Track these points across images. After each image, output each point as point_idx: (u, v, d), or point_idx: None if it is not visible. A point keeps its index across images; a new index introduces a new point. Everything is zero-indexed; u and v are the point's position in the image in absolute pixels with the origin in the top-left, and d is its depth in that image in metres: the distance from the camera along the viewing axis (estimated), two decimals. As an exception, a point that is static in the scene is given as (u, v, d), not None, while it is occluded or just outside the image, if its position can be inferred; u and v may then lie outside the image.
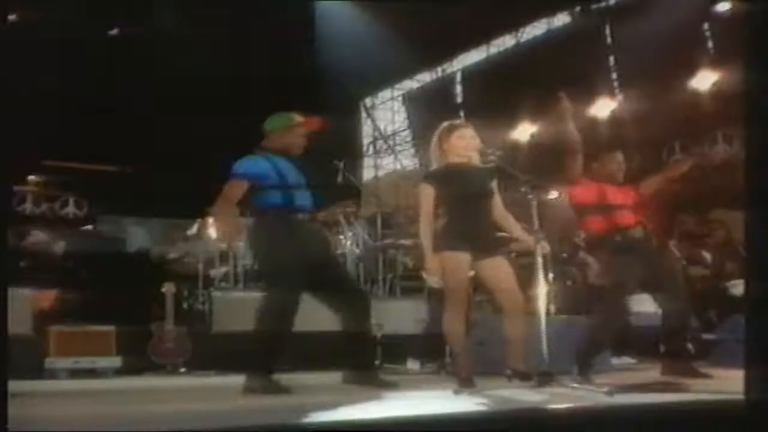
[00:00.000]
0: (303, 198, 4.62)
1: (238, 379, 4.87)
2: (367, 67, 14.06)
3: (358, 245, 8.18)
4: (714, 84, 11.09)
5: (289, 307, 4.39)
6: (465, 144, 4.44)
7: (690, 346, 7.64)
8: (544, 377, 3.92)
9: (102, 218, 10.00)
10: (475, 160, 4.49)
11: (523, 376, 4.15)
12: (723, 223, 9.46)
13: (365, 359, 4.75)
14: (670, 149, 12.03)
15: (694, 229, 9.76)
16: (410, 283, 8.24)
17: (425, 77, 16.30)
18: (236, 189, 4.53)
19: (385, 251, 8.45)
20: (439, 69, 15.99)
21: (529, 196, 4.19)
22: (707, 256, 9.12)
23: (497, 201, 4.52)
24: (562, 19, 14.31)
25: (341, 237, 8.11)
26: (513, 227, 4.53)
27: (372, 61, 13.87)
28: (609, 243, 5.13)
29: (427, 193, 4.43)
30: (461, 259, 4.32)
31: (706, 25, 12.18)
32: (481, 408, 3.17)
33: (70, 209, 11.66)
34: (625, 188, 5.34)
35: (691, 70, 11.36)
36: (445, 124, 4.56)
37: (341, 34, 13.65)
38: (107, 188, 9.99)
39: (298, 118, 4.76)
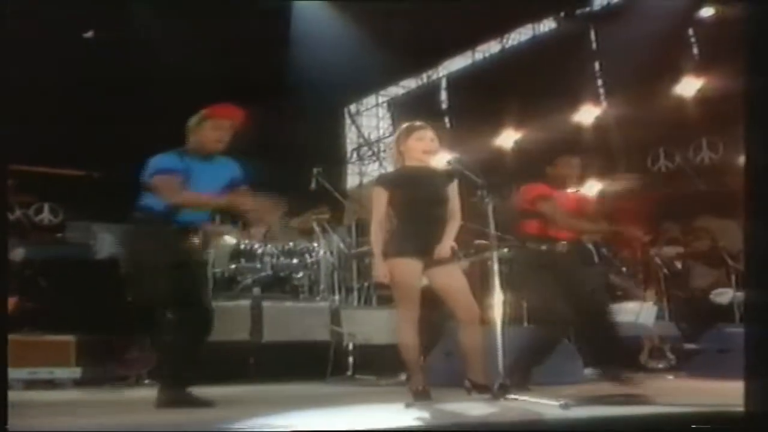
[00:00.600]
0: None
1: (205, 390, 4.73)
2: (352, 73, 13.94)
3: (332, 253, 8.02)
4: (699, 90, 11.02)
5: (188, 321, 4.21)
6: (424, 146, 4.29)
7: (670, 355, 7.65)
8: (500, 390, 3.76)
9: (68, 224, 9.83)
10: (434, 163, 4.35)
11: (483, 389, 3.99)
12: (708, 230, 9.37)
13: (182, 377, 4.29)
14: (655, 155, 11.97)
15: (679, 237, 9.65)
16: (387, 292, 8.08)
17: (410, 83, 16.18)
18: (169, 183, 4.24)
19: (360, 259, 8.31)
20: (425, 75, 15.87)
21: (486, 200, 4.04)
22: (691, 264, 9.00)
23: (453, 206, 4.36)
24: (547, 24, 14.21)
25: (315, 244, 7.96)
26: (448, 234, 4.29)
27: (356, 67, 13.75)
28: (532, 251, 5.03)
29: (380, 197, 4.27)
30: (412, 266, 4.16)
31: (691, 31, 12.07)
32: (420, 423, 3.01)
33: (45, 215, 11.52)
34: (575, 196, 5.24)
35: (676, 75, 11.30)
36: (405, 125, 4.41)
37: (326, 40, 13.53)
38: (77, 193, 9.83)
39: (205, 110, 4.45)
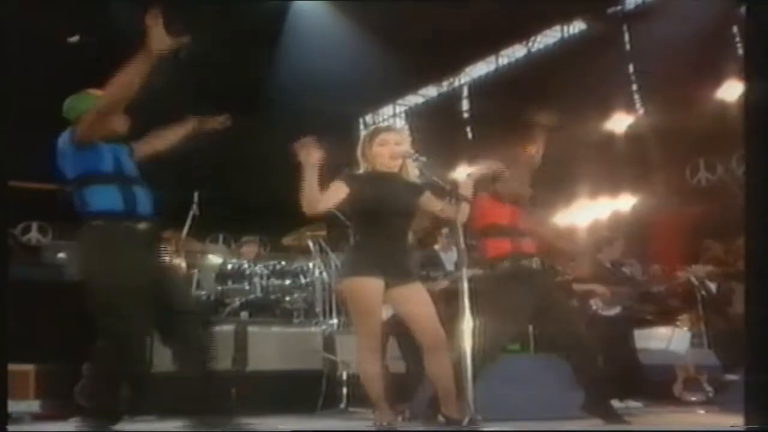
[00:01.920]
0: (142, 200, 4.04)
1: (182, 425, 4.51)
2: (367, 81, 13.88)
3: (328, 272, 7.78)
4: (743, 94, 10.66)
5: (131, 341, 3.97)
6: (388, 151, 4.02)
7: (707, 386, 7.29)
8: (470, 425, 3.48)
9: (57, 244, 9.73)
10: (404, 171, 4.09)
11: (457, 424, 3.72)
12: (751, 248, 9.00)
13: (213, 403, 4.17)
14: (695, 167, 11.64)
15: (721, 256, 9.30)
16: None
17: (430, 91, 16.08)
18: None
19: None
20: (445, 82, 15.75)
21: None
22: (734, 286, 8.64)
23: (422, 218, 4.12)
24: (577, 25, 14.01)
25: (310, 263, 7.73)
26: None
27: (372, 74, 13.69)
28: (499, 269, 4.79)
29: (339, 190, 3.94)
30: (373, 285, 3.88)
31: (734, 29, 11.73)
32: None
33: (33, 235, 11.44)
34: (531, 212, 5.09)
35: (717, 78, 10.97)
36: (371, 128, 4.20)
37: (341, 46, 13.51)
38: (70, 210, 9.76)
39: (97, 91, 4.07)
